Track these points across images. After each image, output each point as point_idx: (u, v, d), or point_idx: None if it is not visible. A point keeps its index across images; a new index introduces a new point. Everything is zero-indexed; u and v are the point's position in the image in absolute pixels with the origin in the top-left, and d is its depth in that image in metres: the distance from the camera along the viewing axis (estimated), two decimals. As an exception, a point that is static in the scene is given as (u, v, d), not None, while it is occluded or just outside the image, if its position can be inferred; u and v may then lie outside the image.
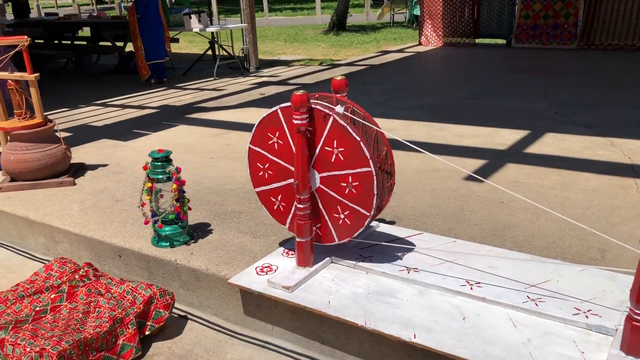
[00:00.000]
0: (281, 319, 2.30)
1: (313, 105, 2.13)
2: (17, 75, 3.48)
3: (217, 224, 2.91)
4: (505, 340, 1.85)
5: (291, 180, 2.29)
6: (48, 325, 2.29)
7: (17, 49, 3.45)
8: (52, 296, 2.46)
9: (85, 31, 13.47)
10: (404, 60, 8.81)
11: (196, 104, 6.13)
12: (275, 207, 2.41)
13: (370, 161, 2.08)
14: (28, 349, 2.07)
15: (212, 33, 10.24)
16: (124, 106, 6.51)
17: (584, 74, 6.72)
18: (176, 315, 2.55)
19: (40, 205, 3.26)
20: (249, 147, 2.38)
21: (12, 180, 3.59)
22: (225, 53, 9.85)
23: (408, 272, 2.25)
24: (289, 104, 2.19)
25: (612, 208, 2.86)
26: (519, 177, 3.33)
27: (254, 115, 5.36)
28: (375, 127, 2.22)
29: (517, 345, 1.81)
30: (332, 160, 2.16)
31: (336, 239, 2.29)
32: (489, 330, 1.90)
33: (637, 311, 1.67)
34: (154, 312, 2.36)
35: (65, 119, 5.60)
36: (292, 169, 2.27)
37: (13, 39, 3.40)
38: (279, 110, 2.23)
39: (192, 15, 9.72)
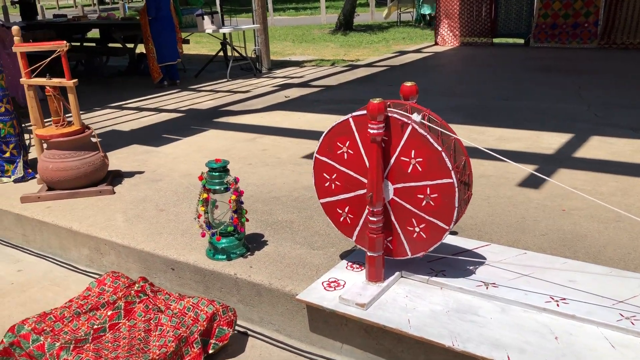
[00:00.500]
0: (352, 337, 2.20)
1: (389, 114, 2.03)
2: (56, 81, 3.38)
3: (270, 234, 2.81)
4: (607, 362, 1.75)
5: (361, 192, 2.20)
6: (110, 344, 2.19)
7: (55, 55, 3.35)
8: (109, 313, 2.36)
9: (94, 32, 13.37)
10: (424, 60, 8.70)
11: (221, 107, 6.03)
12: (342, 219, 2.31)
13: (452, 172, 1.98)
14: (95, 372, 1.97)
15: (224, 34, 10.16)
16: (140, 109, 6.44)
17: (612, 74, 6.61)
18: (236, 332, 2.46)
19: (82, 216, 3.17)
20: (315, 157, 2.28)
21: (50, 189, 3.50)
22: (237, 54, 9.77)
23: (487, 288, 2.15)
24: (362, 112, 2.09)
25: (680, 216, 2.76)
26: (575, 183, 3.23)
27: (283, 119, 5.26)
28: (454, 136, 2.12)
29: (622, 369, 1.72)
30: (409, 171, 2.06)
31: (409, 253, 2.19)
32: (586, 352, 1.80)
33: None
34: (217, 330, 2.26)
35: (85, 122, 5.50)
36: (363, 179, 2.17)
37: (51, 44, 3.31)
38: (350, 119, 2.13)
39: (205, 16, 9.63)
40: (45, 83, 3.40)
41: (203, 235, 2.56)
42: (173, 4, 9.08)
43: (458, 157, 2.13)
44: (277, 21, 21.97)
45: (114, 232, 2.93)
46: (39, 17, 14.25)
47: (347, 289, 2.21)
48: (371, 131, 2.02)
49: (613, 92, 5.58)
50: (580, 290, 2.11)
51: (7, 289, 2.93)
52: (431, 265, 2.34)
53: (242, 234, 2.60)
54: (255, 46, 10.12)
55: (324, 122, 5.05)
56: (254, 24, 9.88)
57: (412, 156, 2.04)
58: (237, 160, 4.05)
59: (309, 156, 4.04)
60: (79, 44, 10.85)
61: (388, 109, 2.07)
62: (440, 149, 1.98)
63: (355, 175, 2.20)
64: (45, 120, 3.64)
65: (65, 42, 3.29)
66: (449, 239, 2.58)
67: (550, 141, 4.06)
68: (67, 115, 3.50)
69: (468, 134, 4.34)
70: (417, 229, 2.13)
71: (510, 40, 10.24)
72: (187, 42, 10.68)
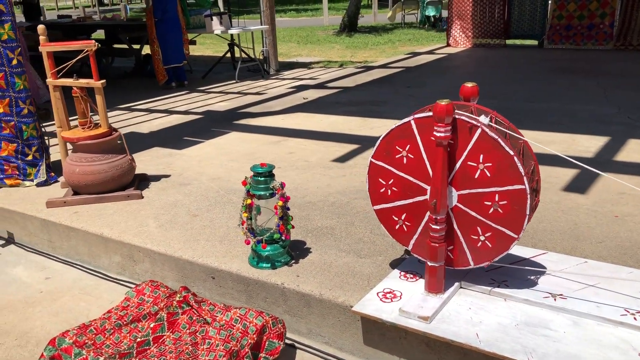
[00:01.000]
0: (411, 351, 2.09)
1: (457, 116, 1.92)
2: (83, 82, 3.27)
3: (312, 241, 2.70)
4: (701, 382, 1.64)
5: (420, 198, 2.09)
6: (155, 359, 2.08)
7: (83, 54, 3.24)
8: (151, 325, 2.25)
9: (98, 33, 13.27)
10: (438, 62, 8.60)
11: (239, 109, 5.92)
12: (398, 226, 2.20)
13: (525, 178, 1.87)
14: (146, 390, 1.86)
15: (232, 35, 10.06)
16: (150, 110, 6.34)
17: (633, 76, 6.50)
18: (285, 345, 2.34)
19: (112, 221, 3.05)
20: (371, 162, 2.17)
21: (75, 193, 3.38)
22: (245, 55, 9.67)
23: (554, 300, 2.04)
24: (425, 114, 1.98)
25: None
26: (622, 188, 3.12)
27: (304, 121, 5.15)
28: (522, 139, 2.01)
29: None
30: (476, 176, 1.95)
31: (471, 263, 2.08)
32: (675, 370, 1.69)
33: None
34: (267, 343, 2.15)
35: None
36: (423, 185, 2.06)
37: (80, 44, 3.19)
38: (412, 121, 2.02)
39: (214, 17, 9.53)
40: (72, 84, 3.29)
41: (248, 243, 2.45)
42: (180, 5, 8.99)
43: (527, 161, 2.02)
44: (278, 22, 21.86)
45: (148, 239, 2.81)
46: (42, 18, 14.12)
47: (407, 301, 2.09)
48: (437, 134, 1.91)
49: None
50: (655, 303, 2.00)
51: (37, 298, 2.82)
52: (491, 275, 2.23)
53: (287, 242, 2.48)
54: (263, 47, 10.02)
55: (347, 123, 4.94)
56: (261, 24, 9.79)
57: (480, 161, 1.93)
58: (264, 163, 3.93)
59: (339, 159, 3.93)
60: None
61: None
62: (512, 153, 1.87)
63: (414, 180, 2.08)
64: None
65: (94, 41, 3.17)
66: (503, 247, 2.47)
67: (586, 144, 3.95)
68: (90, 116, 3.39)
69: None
70: (481, 238, 2.02)
71: (523, 42, 10.15)
72: (193, 43, 10.58)
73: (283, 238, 2.44)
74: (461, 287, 2.20)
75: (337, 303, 2.21)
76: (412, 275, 2.30)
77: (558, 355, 1.78)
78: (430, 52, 9.70)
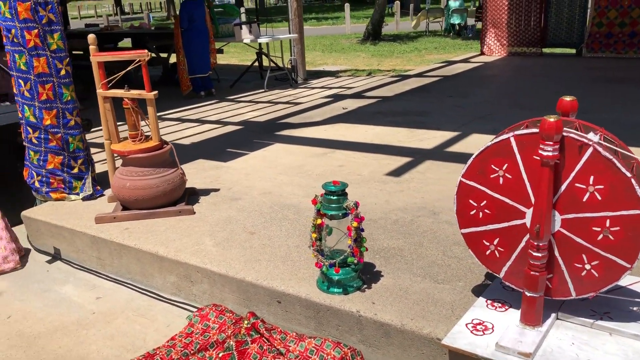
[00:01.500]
0: (507, 389, 1.91)
1: (565, 134, 1.75)
2: (135, 93, 3.15)
3: (381, 264, 2.54)
4: None
5: (516, 222, 1.92)
6: (228, 394, 1.93)
7: (135, 64, 3.13)
8: (220, 354, 2.10)
9: (125, 42, 13.31)
10: (475, 71, 8.40)
11: (278, 119, 5.79)
12: (489, 252, 2.02)
13: (644, 202, 1.68)
14: None
15: (260, 44, 9.99)
16: (181, 120, 6.27)
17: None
18: (359, 377, 2.17)
19: (165, 239, 2.92)
20: (461, 181, 2.00)
21: (125, 208, 3.26)
22: (273, 64, 9.59)
23: (670, 336, 1.85)
24: (527, 130, 1.81)
25: None
26: None
27: (348, 132, 5.00)
28: (635, 158, 1.83)
29: None
30: (584, 199, 1.77)
31: (573, 294, 1.90)
32: None
33: None
34: (346, 377, 1.99)
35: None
36: (521, 208, 1.89)
37: (132, 54, 3.08)
38: (511, 138, 1.85)
39: (243, 26, 9.46)
40: (123, 95, 3.18)
41: (319, 267, 2.29)
42: (209, 14, 8.93)
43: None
44: (299, 31, 21.88)
45: (207, 258, 2.67)
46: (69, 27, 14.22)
47: (503, 335, 1.91)
48: (544, 153, 1.74)
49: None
50: None
51: (90, 320, 2.69)
52: (589, 305, 2.04)
53: (359, 265, 2.32)
54: (291, 56, 9.94)
55: (394, 135, 4.78)
56: (290, 33, 9.70)
57: (590, 182, 1.75)
58: (314, 177, 3.79)
59: (393, 173, 3.77)
60: (110, 53, 10.76)
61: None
62: (629, 175, 1.69)
63: (511, 202, 1.91)
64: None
65: (146, 51, 3.06)
66: (594, 273, 2.28)
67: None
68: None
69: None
70: (587, 267, 1.84)
71: (560, 50, 9.90)
72: (221, 52, 10.53)
73: (357, 262, 2.28)
74: (558, 319, 2.01)
75: (422, 334, 2.04)
76: (500, 304, 2.12)
77: (688, 403, 1.59)
78: (465, 61, 9.50)
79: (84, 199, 3.58)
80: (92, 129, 4.65)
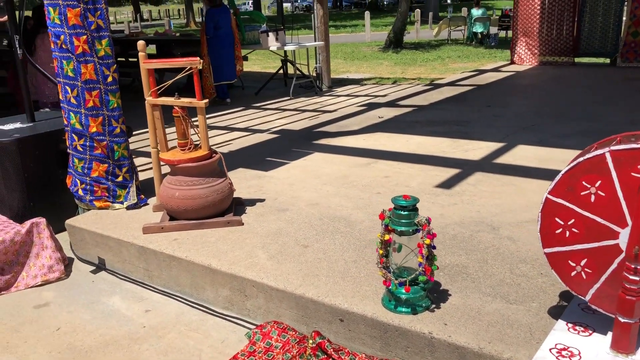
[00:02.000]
0: (597, 421, 1.79)
1: (669, 150, 1.63)
2: (185, 101, 3.09)
3: (446, 282, 2.43)
4: None
5: (607, 242, 1.80)
6: (300, 419, 1.83)
7: (186, 72, 3.06)
8: (286, 376, 2.01)
9: (150, 48, 13.38)
10: (508, 80, 8.26)
11: (314, 128, 5.71)
12: (574, 273, 1.91)
13: None
14: None
15: (285, 51, 9.96)
16: (209, 127, 6.19)
17: None
18: (431, 402, 2.07)
19: (217, 251, 2.84)
20: (547, 198, 1.89)
21: (172, 218, 3.19)
22: (298, 72, 9.56)
23: None
24: (625, 146, 1.70)
25: None
26: None
27: (388, 142, 4.90)
28: None
29: None
30: (689, 220, 1.65)
31: (670, 320, 1.78)
32: None
33: None
34: (422, 404, 1.88)
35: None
36: (614, 228, 1.78)
37: (183, 61, 3.02)
38: (607, 154, 1.74)
39: (270, 33, 9.43)
40: (173, 103, 3.12)
41: (387, 285, 2.19)
42: (236, 21, 8.92)
43: None
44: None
45: (262, 272, 2.58)
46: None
47: (593, 363, 1.80)
48: (647, 171, 1.62)
49: None
50: None
51: (141, 334, 2.61)
52: (682, 332, 1.91)
53: (429, 284, 2.21)
54: (317, 64, 9.90)
55: (437, 145, 4.67)
56: (315, 41, 9.66)
57: (697, 202, 1.63)
58: (360, 188, 3.69)
59: (443, 185, 3.66)
60: (135, 59, 10.81)
61: (663, 143, 1.67)
62: None
63: (603, 222, 1.80)
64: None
65: (198, 58, 3.00)
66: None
67: None
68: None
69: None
70: (688, 292, 1.72)
71: (592, 60, 9.72)
72: (245, 59, 10.52)
73: (427, 280, 2.17)
74: (648, 346, 1.89)
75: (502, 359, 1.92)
76: (583, 328, 2.00)
77: None
78: (496, 70, 9.36)
79: (128, 208, 3.52)
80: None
